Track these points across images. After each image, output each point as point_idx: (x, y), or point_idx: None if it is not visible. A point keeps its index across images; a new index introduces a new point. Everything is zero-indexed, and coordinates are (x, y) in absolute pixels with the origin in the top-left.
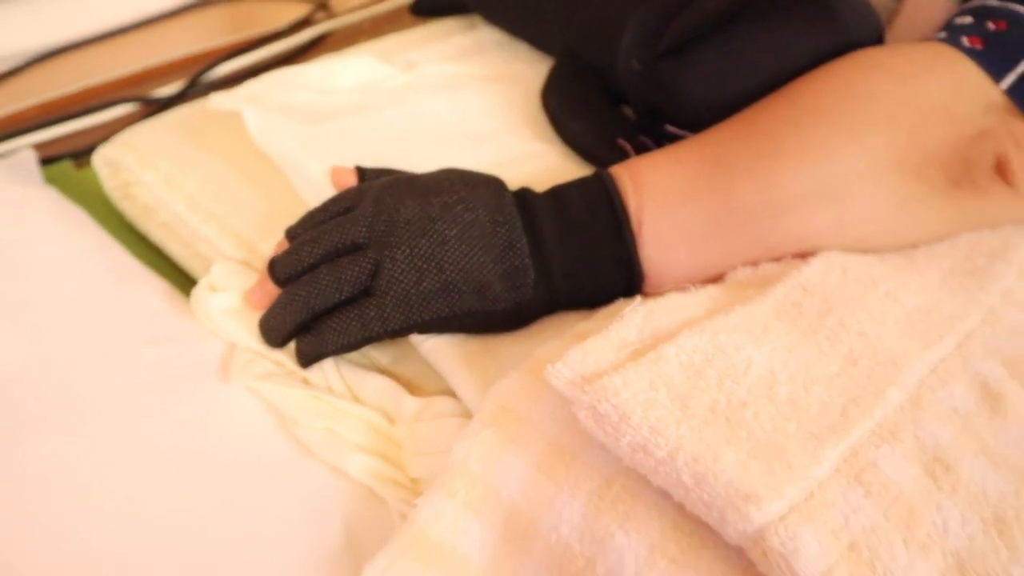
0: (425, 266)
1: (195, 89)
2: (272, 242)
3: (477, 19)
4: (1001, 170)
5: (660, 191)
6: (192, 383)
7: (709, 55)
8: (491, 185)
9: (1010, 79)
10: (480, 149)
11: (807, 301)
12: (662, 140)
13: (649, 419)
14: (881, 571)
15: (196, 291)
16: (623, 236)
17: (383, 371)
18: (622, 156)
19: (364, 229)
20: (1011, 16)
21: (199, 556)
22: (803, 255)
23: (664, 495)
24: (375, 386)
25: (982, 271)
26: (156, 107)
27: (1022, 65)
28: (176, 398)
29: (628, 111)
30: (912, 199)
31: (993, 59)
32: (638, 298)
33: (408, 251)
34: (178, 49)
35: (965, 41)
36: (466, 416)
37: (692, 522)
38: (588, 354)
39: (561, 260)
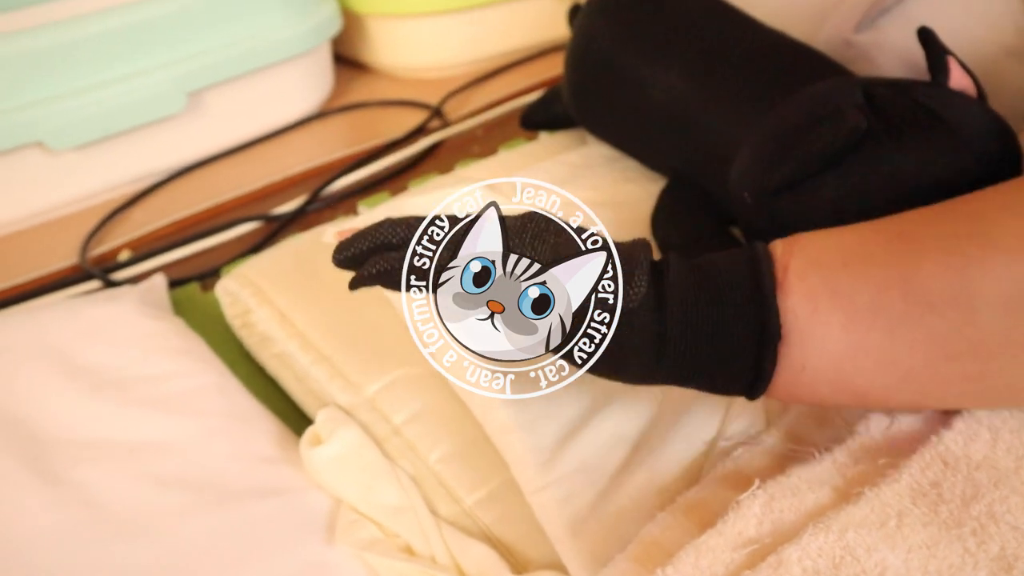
0: None
1: (314, 205)
2: (378, 384)
3: (587, 133)
4: None
5: (817, 248)
6: (297, 541)
7: (825, 191)
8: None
9: None
10: None
11: (948, 480)
12: None
13: None
14: None
15: (302, 443)
16: (757, 277)
17: (486, 533)
18: None
19: None
20: None
21: None
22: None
23: None
24: (477, 557)
25: None
26: (277, 225)
27: None
28: (281, 556)
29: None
30: None
31: None
32: (756, 483)
33: None
34: (300, 162)
35: None
36: None
37: None
38: (702, 555)
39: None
